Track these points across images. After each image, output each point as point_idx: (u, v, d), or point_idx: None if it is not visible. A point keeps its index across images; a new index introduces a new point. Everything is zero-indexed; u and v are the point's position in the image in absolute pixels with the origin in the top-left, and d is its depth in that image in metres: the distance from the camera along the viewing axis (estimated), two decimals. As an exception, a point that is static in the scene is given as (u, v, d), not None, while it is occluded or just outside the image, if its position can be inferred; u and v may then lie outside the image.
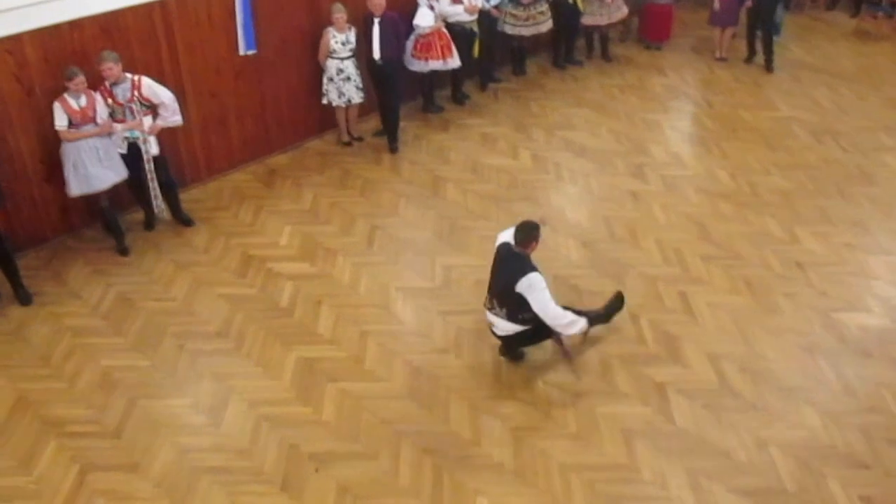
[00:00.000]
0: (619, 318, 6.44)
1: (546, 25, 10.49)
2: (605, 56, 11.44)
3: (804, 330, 6.40)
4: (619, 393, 5.82)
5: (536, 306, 5.57)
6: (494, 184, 8.41)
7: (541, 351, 6.15)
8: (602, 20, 10.98)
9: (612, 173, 8.55)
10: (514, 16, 10.29)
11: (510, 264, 5.68)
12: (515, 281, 5.54)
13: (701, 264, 7.16)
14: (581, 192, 8.29)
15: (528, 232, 5.72)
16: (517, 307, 5.64)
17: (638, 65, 11.36)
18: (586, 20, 10.97)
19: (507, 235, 5.89)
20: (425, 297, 6.77)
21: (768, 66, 11.04)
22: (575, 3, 10.67)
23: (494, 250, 5.89)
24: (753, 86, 10.73)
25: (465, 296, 6.77)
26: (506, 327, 5.82)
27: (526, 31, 10.41)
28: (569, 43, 11.20)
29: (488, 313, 5.89)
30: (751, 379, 5.91)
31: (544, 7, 10.37)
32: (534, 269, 5.61)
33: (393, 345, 6.26)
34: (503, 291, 5.68)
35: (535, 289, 5.54)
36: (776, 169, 8.67)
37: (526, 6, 10.23)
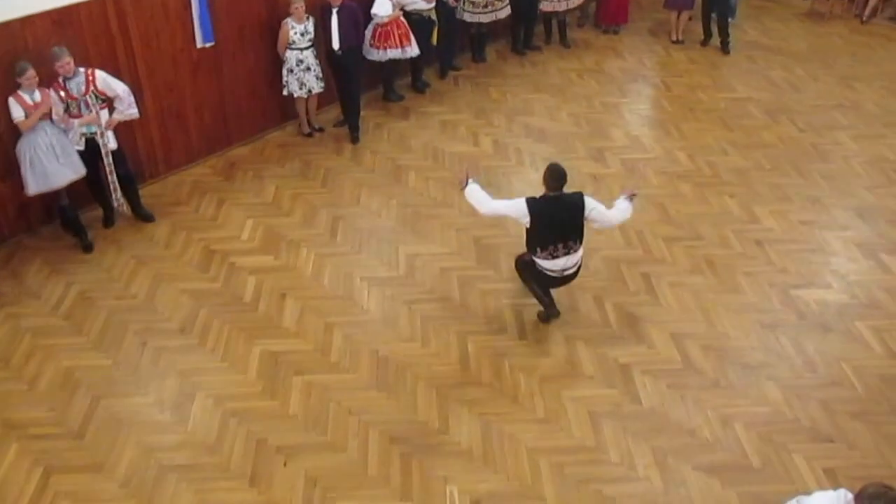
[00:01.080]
0: (584, 302, 6.51)
1: (504, 12, 10.50)
2: (564, 42, 11.48)
3: (765, 307, 6.51)
4: (585, 375, 5.88)
5: (604, 217, 6.06)
6: (456, 171, 8.40)
7: (505, 336, 6.19)
8: (560, 6, 11.03)
9: (572, 157, 8.59)
10: (472, 3, 10.28)
11: (566, 202, 5.96)
12: (581, 210, 5.93)
13: (663, 245, 7.24)
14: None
15: (561, 173, 5.95)
16: (583, 234, 6.06)
17: (596, 49, 11.43)
18: (544, 6, 11.01)
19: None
20: (390, 287, 6.76)
21: (724, 48, 11.17)
22: (533, -11, 10.71)
23: (532, 207, 5.98)
24: (710, 67, 10.85)
25: (430, 283, 6.78)
26: (577, 259, 6.16)
27: (485, 18, 10.42)
28: (528, 29, 11.22)
29: (562, 259, 6.04)
30: (714, 357, 6.01)
31: (502, -7, 10.40)
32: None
33: (359, 335, 6.25)
34: (577, 226, 6.00)
35: (595, 204, 6.00)
36: (733, 149, 8.80)
37: (484, -7, 10.24)
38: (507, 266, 6.92)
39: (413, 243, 7.30)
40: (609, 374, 5.89)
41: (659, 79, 10.55)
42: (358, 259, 7.11)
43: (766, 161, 8.57)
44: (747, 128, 9.26)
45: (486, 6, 10.32)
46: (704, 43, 11.44)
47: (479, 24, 10.50)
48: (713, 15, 11.17)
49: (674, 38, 11.53)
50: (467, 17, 10.36)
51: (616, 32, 11.88)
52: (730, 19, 11.29)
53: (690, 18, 11.56)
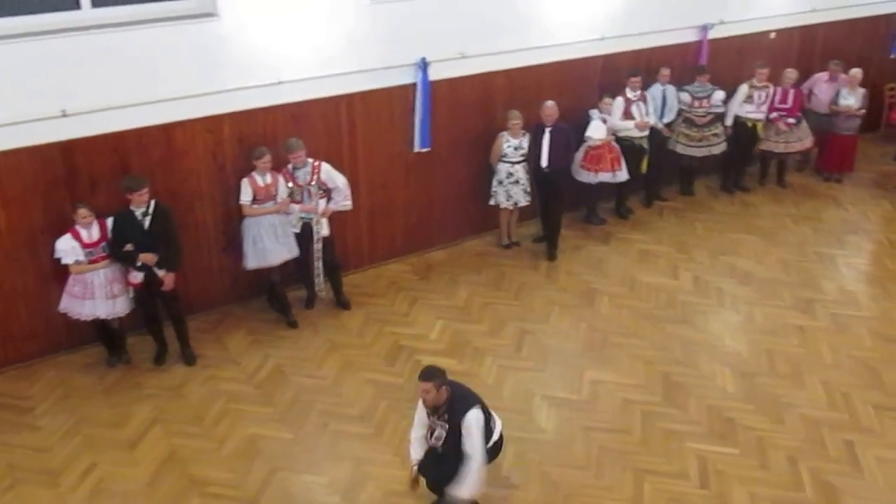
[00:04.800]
0: (775, 460, 6.03)
1: (719, 148, 10.34)
2: (781, 182, 11.09)
3: None
4: (772, 542, 5.38)
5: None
6: (651, 302, 8.20)
7: (686, 482, 5.81)
8: (780, 147, 10.69)
9: (777, 305, 8.15)
10: (686, 136, 10.22)
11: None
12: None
13: (872, 413, 6.61)
14: (743, 320, 7.93)
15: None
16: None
17: (815, 195, 10.92)
18: (764, 145, 10.72)
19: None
20: (569, 410, 6.60)
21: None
22: (754, 127, 10.49)
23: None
24: (942, 229, 10.06)
25: (611, 413, 6.55)
26: None
27: (697, 152, 10.29)
28: (740, 167, 10.96)
29: None
30: (925, 550, 5.32)
31: (719, 129, 10.26)
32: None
33: (531, 453, 6.10)
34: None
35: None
36: (964, 320, 7.99)
37: (700, 127, 10.15)
38: (696, 407, 6.58)
39: (598, 369, 7.12)
40: (799, 545, 5.36)
41: (883, 235, 9.87)
42: (540, 376, 7.02)
43: None
44: (982, 299, 8.42)
45: (700, 140, 10.21)
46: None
47: (692, 158, 10.38)
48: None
49: (903, 194, 10.83)
50: (680, 149, 10.29)
51: (839, 181, 11.32)
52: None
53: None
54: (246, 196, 7.33)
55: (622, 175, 9.48)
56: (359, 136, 8.26)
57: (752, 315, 8.00)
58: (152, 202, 6.69)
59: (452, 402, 5.05)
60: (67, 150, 6.78)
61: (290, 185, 7.49)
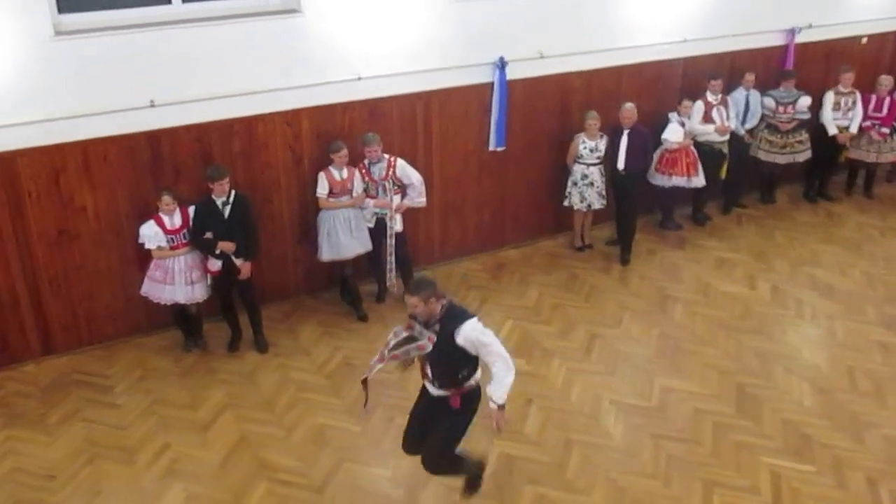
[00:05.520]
0: (854, 480, 5.81)
1: (804, 155, 10.03)
2: (868, 193, 10.70)
3: None
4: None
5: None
6: (726, 311, 8.00)
7: (758, 498, 5.65)
8: (871, 157, 10.30)
9: (861, 320, 7.86)
10: (769, 142, 9.94)
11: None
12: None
13: (960, 436, 6.33)
14: (823, 334, 7.67)
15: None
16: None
17: (903, 208, 10.52)
18: (852, 154, 10.34)
19: None
20: (638, 416, 6.49)
21: None
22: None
23: None
24: None
25: (682, 423, 6.42)
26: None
27: (781, 159, 10.00)
28: (824, 176, 10.62)
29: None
30: None
31: (804, 136, 9.95)
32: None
33: (598, 459, 6.03)
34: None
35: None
36: None
37: (784, 133, 9.86)
38: (771, 420, 6.39)
39: (670, 377, 6.99)
40: (876, 569, 5.16)
41: (977, 251, 9.45)
42: (610, 381, 6.93)
43: None
44: None
45: (784, 147, 9.92)
46: None
47: (774, 165, 10.10)
48: None
49: None
50: (762, 156, 10.02)
51: (931, 194, 10.87)
52: None
53: None
54: (322, 189, 7.44)
55: (697, 181, 9.28)
56: (434, 133, 8.30)
57: (833, 329, 7.74)
58: (232, 192, 6.85)
59: (447, 315, 4.84)
60: (154, 140, 6.99)
61: (366, 180, 7.57)
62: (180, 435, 6.27)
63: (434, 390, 5.12)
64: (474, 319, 4.86)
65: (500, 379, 4.84)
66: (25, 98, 6.40)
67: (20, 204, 6.69)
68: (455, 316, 4.85)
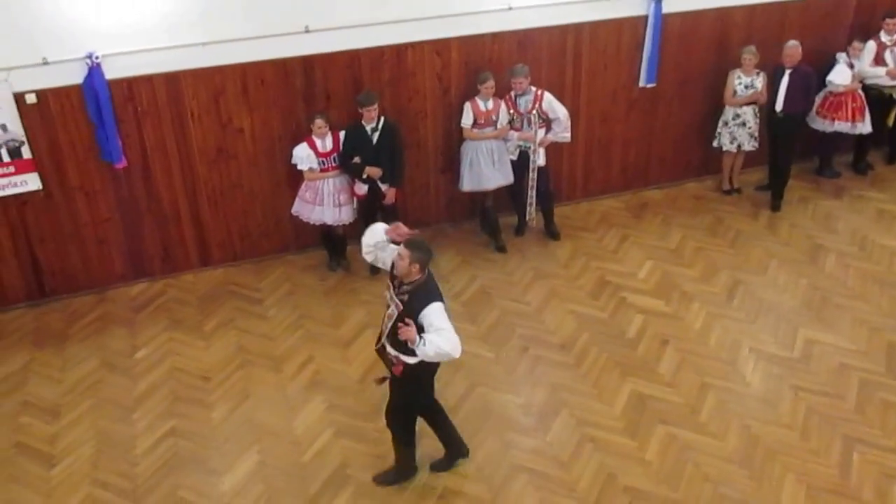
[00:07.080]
0: None
1: None
2: None
3: None
4: None
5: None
6: (883, 266, 7.56)
7: None
8: None
9: None
10: (949, 87, 9.16)
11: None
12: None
13: None
14: None
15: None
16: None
17: None
18: None
19: None
20: (779, 366, 6.30)
21: None
22: None
23: None
24: None
25: (825, 376, 6.19)
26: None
27: (958, 107, 9.22)
28: None
29: None
30: None
31: None
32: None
33: (733, 404, 5.92)
34: None
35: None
36: None
37: (965, 79, 9.06)
38: (924, 382, 6.07)
39: (815, 329, 6.72)
40: None
41: None
42: (751, 329, 6.73)
43: None
44: None
45: (964, 95, 9.13)
46: None
47: (950, 114, 9.32)
48: None
49: None
50: (937, 104, 9.27)
51: None
52: None
53: None
54: (467, 119, 7.47)
55: (863, 127, 8.69)
56: (583, 67, 8.14)
57: None
58: (381, 118, 7.00)
59: (418, 289, 4.77)
60: (308, 65, 7.21)
61: (512, 112, 7.54)
62: (323, 349, 6.60)
63: (386, 346, 5.03)
64: (439, 303, 4.77)
65: (437, 342, 4.64)
66: (189, 20, 6.71)
67: (183, 122, 7.09)
68: (425, 294, 4.78)
